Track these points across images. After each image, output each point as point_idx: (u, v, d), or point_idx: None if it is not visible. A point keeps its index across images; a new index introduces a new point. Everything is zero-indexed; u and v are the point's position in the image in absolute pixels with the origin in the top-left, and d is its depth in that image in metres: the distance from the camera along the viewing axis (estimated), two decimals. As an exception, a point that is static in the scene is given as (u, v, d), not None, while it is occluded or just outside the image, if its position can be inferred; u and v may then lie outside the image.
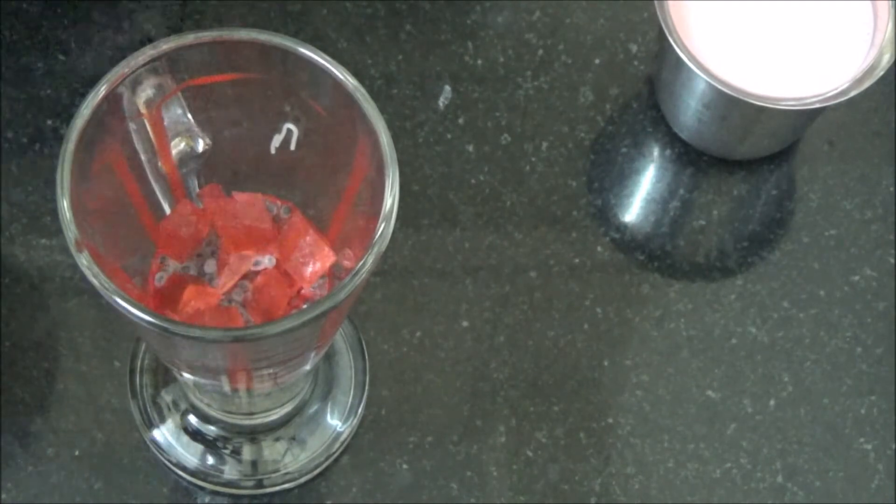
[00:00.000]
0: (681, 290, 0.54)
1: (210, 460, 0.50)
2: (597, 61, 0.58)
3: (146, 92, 0.38)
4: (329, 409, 0.51)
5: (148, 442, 0.50)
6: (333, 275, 0.42)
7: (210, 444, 0.50)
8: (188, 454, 0.50)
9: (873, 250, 0.56)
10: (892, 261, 0.55)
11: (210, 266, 0.42)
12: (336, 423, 0.51)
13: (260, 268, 0.42)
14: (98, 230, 0.37)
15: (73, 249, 0.35)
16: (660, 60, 0.55)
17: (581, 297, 0.54)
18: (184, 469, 0.50)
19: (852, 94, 0.50)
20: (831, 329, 0.54)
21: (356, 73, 0.38)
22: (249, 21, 0.57)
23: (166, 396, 0.51)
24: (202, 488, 0.50)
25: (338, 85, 0.38)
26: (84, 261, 0.35)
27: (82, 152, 0.36)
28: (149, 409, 0.50)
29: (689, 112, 0.54)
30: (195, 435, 0.50)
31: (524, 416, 0.52)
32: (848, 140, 0.58)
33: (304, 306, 0.37)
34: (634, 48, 0.59)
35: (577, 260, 0.54)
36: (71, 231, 0.35)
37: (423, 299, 0.53)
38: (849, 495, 0.51)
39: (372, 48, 0.57)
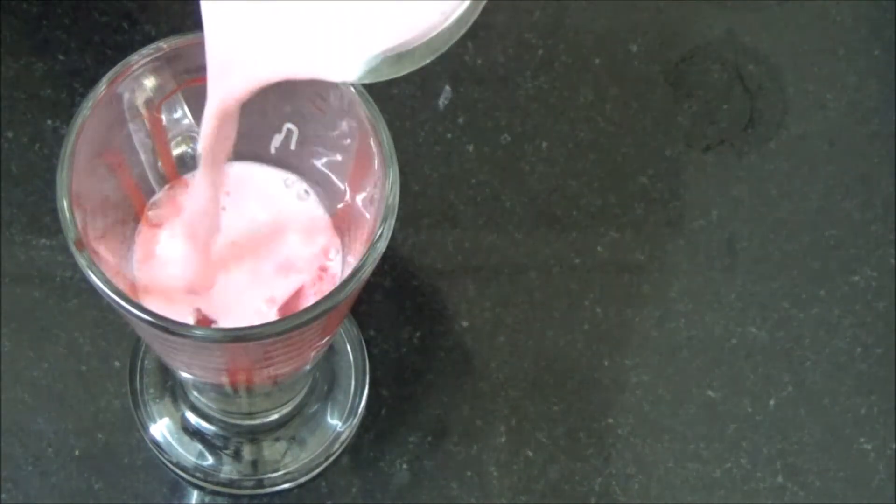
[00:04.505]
0: (681, 290, 0.54)
1: (210, 460, 0.50)
2: (597, 61, 0.58)
3: (146, 92, 0.38)
4: (329, 409, 0.51)
5: (148, 442, 0.50)
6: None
7: (210, 444, 0.50)
8: (188, 454, 0.50)
9: (873, 250, 0.56)
10: (892, 261, 0.55)
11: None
12: (336, 423, 0.51)
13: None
14: (98, 231, 0.37)
15: (73, 249, 0.35)
16: None
17: (581, 297, 0.54)
18: (183, 469, 0.50)
19: None
20: (831, 329, 0.54)
21: (356, 73, 0.38)
22: (249, 21, 0.57)
23: (166, 396, 0.51)
24: (202, 488, 0.50)
25: (338, 85, 0.38)
26: (84, 261, 0.35)
27: (82, 152, 0.36)
28: (149, 409, 0.50)
29: None
30: (195, 435, 0.50)
31: (524, 416, 0.52)
32: (848, 140, 0.58)
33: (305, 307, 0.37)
34: (634, 48, 0.59)
35: (577, 260, 0.54)
36: (71, 231, 0.35)
37: (423, 299, 0.53)
38: (849, 495, 0.51)
39: (372, 48, 0.57)
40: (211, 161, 0.37)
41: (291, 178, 0.42)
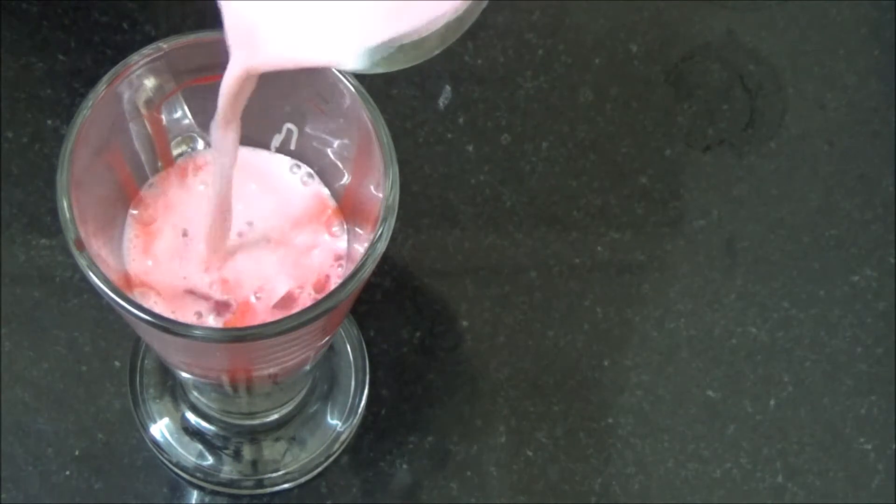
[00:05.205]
0: (681, 290, 0.54)
1: (210, 460, 0.50)
2: (597, 61, 0.58)
3: (146, 92, 0.38)
4: (329, 409, 0.51)
5: (148, 442, 0.50)
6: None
7: (210, 444, 0.50)
8: (188, 454, 0.50)
9: (873, 250, 0.56)
10: (892, 261, 0.55)
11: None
12: (336, 423, 0.51)
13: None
14: (98, 230, 0.37)
15: (73, 249, 0.35)
16: None
17: (581, 297, 0.54)
18: (183, 469, 0.50)
19: None
20: (831, 329, 0.54)
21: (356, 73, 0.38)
22: (249, 21, 0.57)
23: (166, 396, 0.51)
24: (202, 488, 0.50)
25: (338, 85, 0.38)
26: (84, 261, 0.35)
27: (82, 152, 0.36)
28: (149, 409, 0.50)
29: None
30: (195, 435, 0.50)
31: (524, 416, 0.52)
32: (848, 140, 0.58)
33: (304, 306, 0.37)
34: (634, 48, 0.59)
35: (577, 260, 0.54)
36: (71, 231, 0.35)
37: (423, 299, 0.53)
38: (849, 495, 0.51)
39: (372, 48, 0.57)
40: (226, 124, 0.36)
41: (297, 163, 0.42)
